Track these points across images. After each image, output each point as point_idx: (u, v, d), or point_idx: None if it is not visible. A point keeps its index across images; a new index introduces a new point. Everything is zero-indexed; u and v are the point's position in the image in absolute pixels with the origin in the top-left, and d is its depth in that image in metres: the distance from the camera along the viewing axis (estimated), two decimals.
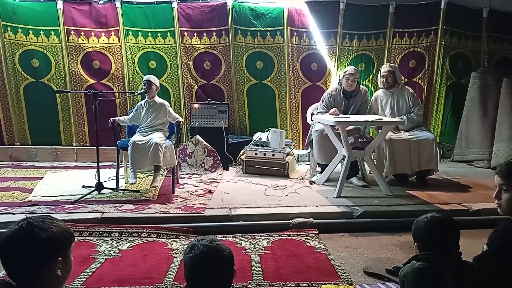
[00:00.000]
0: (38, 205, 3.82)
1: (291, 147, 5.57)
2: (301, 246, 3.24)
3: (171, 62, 6.00)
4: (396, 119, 4.72)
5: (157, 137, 4.33)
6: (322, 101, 4.96)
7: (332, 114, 4.61)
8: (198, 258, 1.48)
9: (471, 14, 6.23)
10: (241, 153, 5.42)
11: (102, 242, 3.22)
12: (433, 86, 6.27)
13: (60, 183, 4.67)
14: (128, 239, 3.29)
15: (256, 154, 5.25)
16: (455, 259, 1.82)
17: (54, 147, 5.98)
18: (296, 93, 6.17)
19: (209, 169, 5.34)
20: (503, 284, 1.89)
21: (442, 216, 1.91)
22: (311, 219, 3.65)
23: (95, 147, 4.27)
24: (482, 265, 1.92)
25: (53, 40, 5.80)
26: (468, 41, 6.35)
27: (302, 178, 5.01)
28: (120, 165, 4.54)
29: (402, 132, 4.80)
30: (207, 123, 5.58)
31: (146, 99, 4.60)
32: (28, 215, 1.44)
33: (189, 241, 3.22)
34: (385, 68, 4.96)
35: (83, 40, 5.83)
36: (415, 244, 1.92)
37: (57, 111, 5.96)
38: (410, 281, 1.77)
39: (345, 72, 4.83)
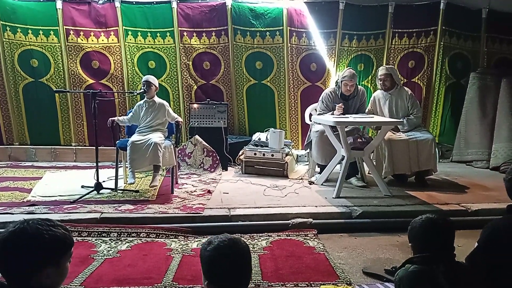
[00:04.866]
0: (37, 205, 3.81)
1: (290, 147, 5.57)
2: (300, 246, 3.24)
3: (170, 62, 6.00)
4: (395, 119, 4.72)
5: (156, 137, 4.33)
6: (322, 101, 4.95)
7: (339, 109, 4.63)
8: (218, 249, 1.48)
9: (470, 14, 6.24)
10: (240, 153, 5.42)
11: (101, 242, 3.22)
12: (432, 86, 6.28)
13: (59, 183, 4.66)
14: (127, 239, 3.29)
15: (255, 154, 5.25)
16: (449, 260, 1.83)
17: (53, 147, 5.97)
18: (295, 93, 6.17)
19: (208, 169, 5.34)
20: (495, 280, 1.90)
21: (437, 217, 1.92)
22: (310, 219, 3.65)
23: (94, 147, 4.27)
24: (473, 263, 1.94)
25: (52, 40, 5.79)
26: (467, 41, 6.35)
27: (301, 178, 5.01)
28: (119, 165, 4.54)
29: (401, 132, 4.80)
30: (206, 123, 5.58)
31: (145, 99, 4.60)
32: (28, 218, 1.42)
33: (188, 241, 3.23)
34: (381, 71, 4.94)
35: (82, 40, 5.83)
36: (410, 245, 1.94)
37: (56, 111, 5.96)
38: (406, 285, 1.77)
39: (343, 77, 4.76)
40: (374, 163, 4.67)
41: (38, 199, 4.06)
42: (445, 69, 6.30)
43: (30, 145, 5.99)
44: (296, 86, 6.16)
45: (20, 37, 5.75)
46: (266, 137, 5.37)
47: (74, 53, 5.85)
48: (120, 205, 3.86)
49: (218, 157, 5.40)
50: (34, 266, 1.33)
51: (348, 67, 5.31)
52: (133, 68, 5.96)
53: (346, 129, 4.45)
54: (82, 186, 4.37)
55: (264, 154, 5.20)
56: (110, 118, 4.53)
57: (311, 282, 2.62)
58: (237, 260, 1.49)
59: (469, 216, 3.87)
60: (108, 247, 3.12)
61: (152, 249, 3.13)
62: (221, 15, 5.91)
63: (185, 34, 5.93)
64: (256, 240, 3.32)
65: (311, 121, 5.14)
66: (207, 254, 1.49)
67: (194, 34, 5.95)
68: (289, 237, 3.41)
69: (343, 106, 4.68)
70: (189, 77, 6.03)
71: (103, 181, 4.35)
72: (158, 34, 5.93)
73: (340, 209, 3.86)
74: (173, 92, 6.05)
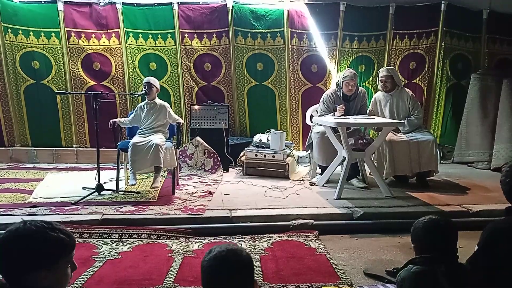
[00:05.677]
0: (38, 206, 3.82)
1: (291, 148, 5.57)
2: (301, 247, 3.24)
3: (171, 63, 6.01)
4: (396, 120, 4.72)
5: (157, 138, 4.34)
6: (323, 103, 4.95)
7: (340, 110, 4.62)
8: (215, 258, 1.42)
9: (471, 15, 6.24)
10: (241, 154, 5.42)
11: (102, 243, 3.22)
12: (433, 87, 6.28)
13: (60, 185, 4.67)
14: (128, 240, 3.29)
15: (256, 155, 5.25)
16: (451, 261, 1.83)
17: (54, 148, 5.98)
18: (296, 95, 6.17)
19: (209, 170, 5.34)
20: (495, 282, 1.90)
21: (440, 218, 1.93)
22: (311, 221, 3.65)
23: (96, 149, 4.27)
24: (473, 265, 1.94)
25: (54, 41, 5.81)
26: (468, 42, 6.35)
27: (302, 180, 5.01)
28: (120, 167, 4.54)
29: (402, 133, 4.80)
30: (207, 125, 5.59)
31: (146, 100, 4.61)
32: (27, 219, 1.41)
33: (190, 243, 3.23)
34: (382, 72, 4.94)
35: (83, 42, 5.84)
36: (413, 245, 1.94)
37: (57, 112, 5.97)
38: (408, 285, 1.78)
39: (344, 77, 4.77)
40: (375, 164, 4.67)
41: (40, 200, 4.06)
42: (446, 70, 6.30)
43: (32, 146, 6.00)
44: (297, 87, 6.16)
45: (21, 39, 5.77)
46: (267, 138, 5.37)
47: (75, 55, 5.86)
48: (121, 206, 3.86)
49: (219, 159, 5.40)
50: (31, 267, 1.32)
51: (349, 68, 5.31)
52: (134, 70, 5.97)
53: (347, 130, 4.45)
54: (84, 188, 4.37)
55: (265, 155, 5.20)
56: (111, 120, 4.54)
57: (312, 284, 2.62)
58: (235, 272, 1.41)
59: (470, 217, 3.86)
60: (109, 249, 3.13)
61: (153, 250, 3.13)
62: (222, 17, 5.92)
63: (186, 36, 5.94)
64: (257, 241, 3.32)
65: (312, 122, 5.14)
66: (204, 264, 1.44)
67: (195, 36, 5.96)
68: (290, 238, 3.41)
69: (344, 107, 4.68)
70: (190, 79, 6.04)
71: (104, 183, 4.35)
72: (159, 36, 5.94)
73: (341, 210, 3.86)
74: (174, 94, 6.06)
